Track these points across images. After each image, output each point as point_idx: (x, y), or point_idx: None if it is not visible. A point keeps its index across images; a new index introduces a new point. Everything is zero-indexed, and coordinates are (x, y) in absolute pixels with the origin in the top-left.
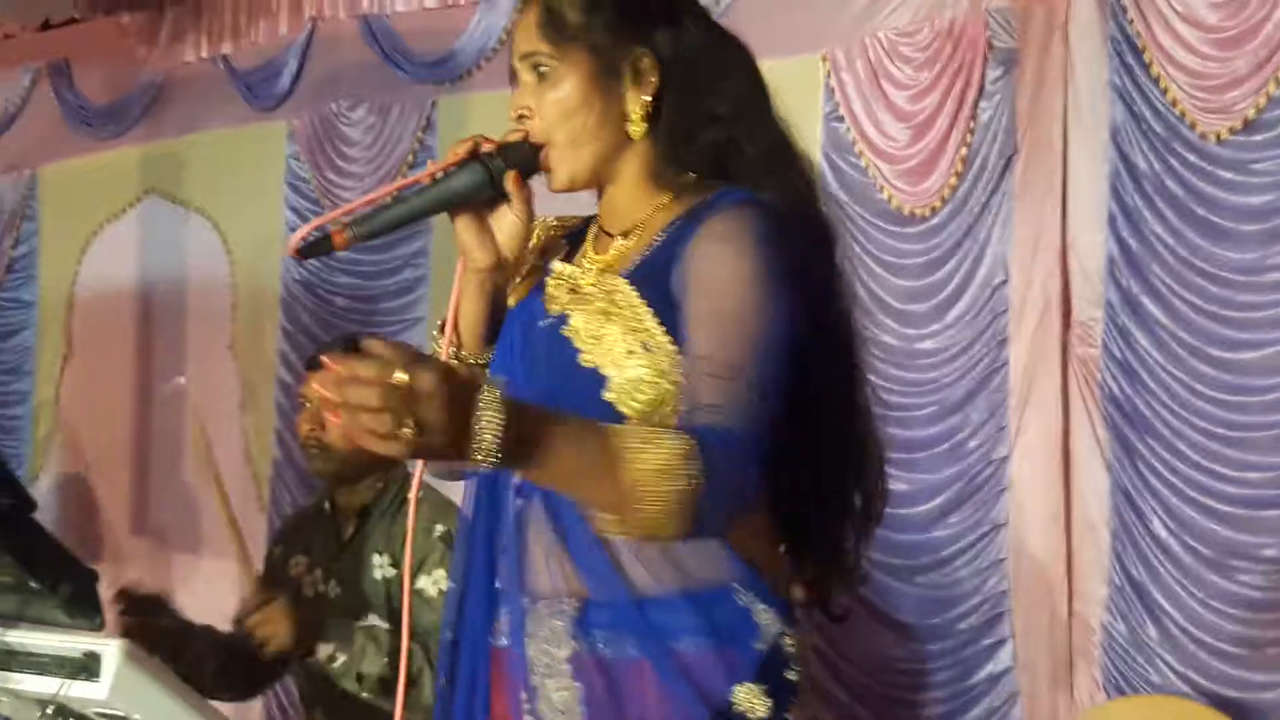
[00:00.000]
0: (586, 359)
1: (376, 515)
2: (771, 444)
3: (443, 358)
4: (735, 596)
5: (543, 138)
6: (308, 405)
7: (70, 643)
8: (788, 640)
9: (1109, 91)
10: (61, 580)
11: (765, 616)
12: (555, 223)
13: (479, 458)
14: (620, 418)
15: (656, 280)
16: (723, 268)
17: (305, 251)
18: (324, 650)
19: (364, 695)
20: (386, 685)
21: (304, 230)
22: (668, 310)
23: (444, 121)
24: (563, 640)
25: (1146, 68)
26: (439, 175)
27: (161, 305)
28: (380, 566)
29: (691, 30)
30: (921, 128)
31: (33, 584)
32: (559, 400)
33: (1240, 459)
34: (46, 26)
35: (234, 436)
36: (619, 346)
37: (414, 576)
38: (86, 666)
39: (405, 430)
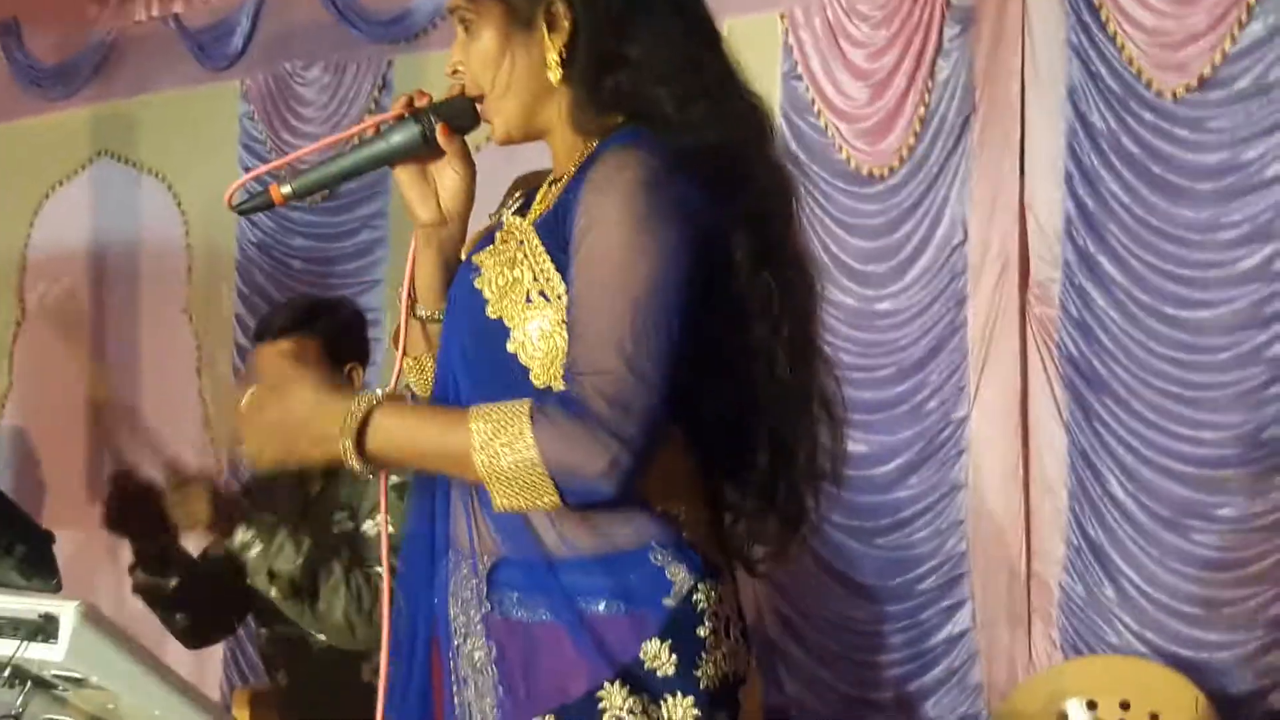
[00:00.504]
0: (492, 310)
1: (343, 473)
2: (689, 392)
3: (403, 311)
4: (651, 556)
5: (475, 91)
6: (261, 376)
7: (27, 604)
8: (699, 595)
9: (1066, 49)
10: (17, 541)
11: (678, 572)
12: (530, 176)
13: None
14: (524, 369)
15: (556, 227)
16: (598, 217)
17: (242, 207)
18: (241, 536)
19: (272, 594)
20: (296, 589)
21: (239, 184)
22: (566, 259)
23: (400, 80)
24: (478, 599)
25: (1103, 25)
26: (377, 130)
27: (115, 268)
28: (339, 521)
29: None
30: (880, 86)
31: None
32: (471, 352)
33: (1196, 418)
34: None
35: (191, 402)
36: (520, 296)
37: (361, 520)
38: (43, 628)
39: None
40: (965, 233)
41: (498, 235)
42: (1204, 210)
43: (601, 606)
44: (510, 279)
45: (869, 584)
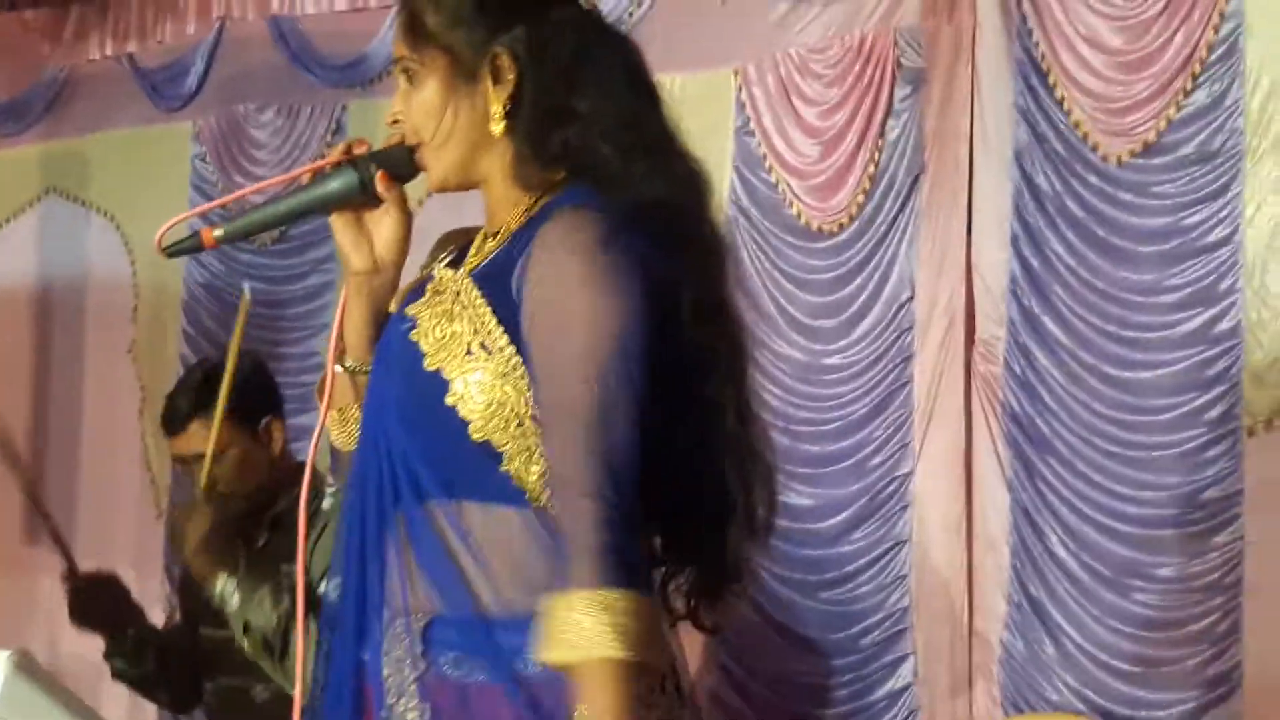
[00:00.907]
0: (430, 362)
1: (288, 524)
2: (640, 450)
3: (329, 364)
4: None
5: (414, 139)
6: (184, 466)
7: None
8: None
9: (1013, 112)
10: None
11: None
12: (460, 232)
13: None
14: (463, 423)
15: (498, 280)
16: (553, 277)
17: (172, 250)
18: (224, 582)
19: (245, 648)
20: (268, 645)
21: (169, 224)
22: (509, 313)
23: (354, 125)
24: (412, 659)
25: (1051, 89)
26: (314, 177)
27: (60, 306)
28: (289, 574)
29: (555, 24)
30: (831, 144)
31: None
32: (408, 405)
33: (1138, 478)
34: None
35: (133, 442)
36: (460, 348)
37: (318, 581)
38: None
39: None
40: (913, 290)
41: (429, 288)
42: (1147, 273)
43: (537, 667)
44: (448, 332)
45: (812, 637)
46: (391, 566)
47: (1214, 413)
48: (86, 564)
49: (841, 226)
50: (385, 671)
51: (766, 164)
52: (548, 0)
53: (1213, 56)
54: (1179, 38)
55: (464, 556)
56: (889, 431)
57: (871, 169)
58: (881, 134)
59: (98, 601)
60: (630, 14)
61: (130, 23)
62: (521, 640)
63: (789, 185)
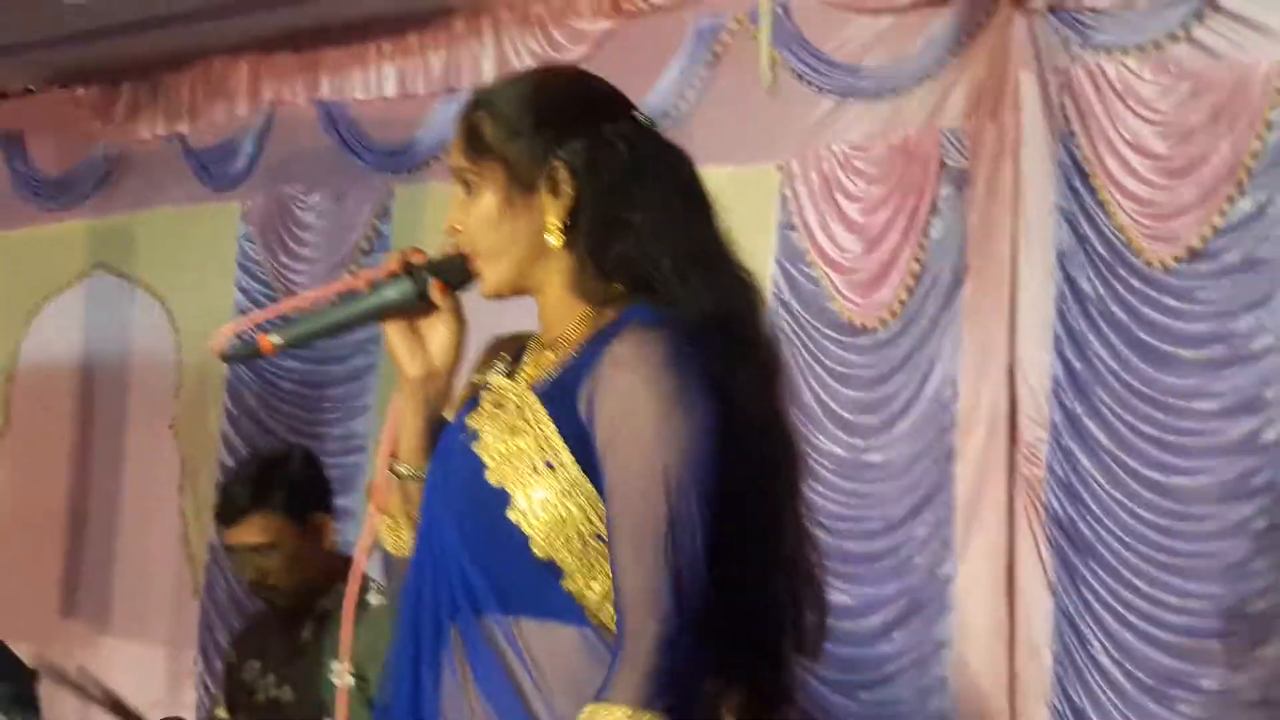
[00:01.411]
0: (493, 476)
1: (336, 620)
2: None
3: (380, 468)
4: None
5: (469, 249)
6: (235, 555)
7: None
8: None
9: (1056, 214)
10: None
11: None
12: (510, 338)
13: None
14: (524, 538)
15: (564, 398)
16: (628, 398)
17: (230, 357)
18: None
19: None
20: None
21: (228, 330)
22: (574, 429)
23: (400, 210)
24: None
25: (1094, 192)
26: (370, 285)
27: (104, 381)
28: (337, 673)
29: (610, 139)
30: (874, 241)
31: None
32: (468, 518)
33: (1181, 587)
34: (0, 96)
35: (172, 519)
36: (524, 464)
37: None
38: None
39: None
40: (955, 389)
41: (485, 397)
42: (1189, 379)
43: None
44: (512, 446)
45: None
46: (447, 679)
47: (1259, 524)
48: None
49: (884, 323)
50: None
51: (809, 259)
52: (604, 114)
53: (1259, 165)
54: (1224, 145)
55: (520, 673)
56: (930, 531)
57: (915, 266)
58: (925, 232)
59: None
60: (676, 107)
61: (182, 103)
62: None
63: (831, 280)
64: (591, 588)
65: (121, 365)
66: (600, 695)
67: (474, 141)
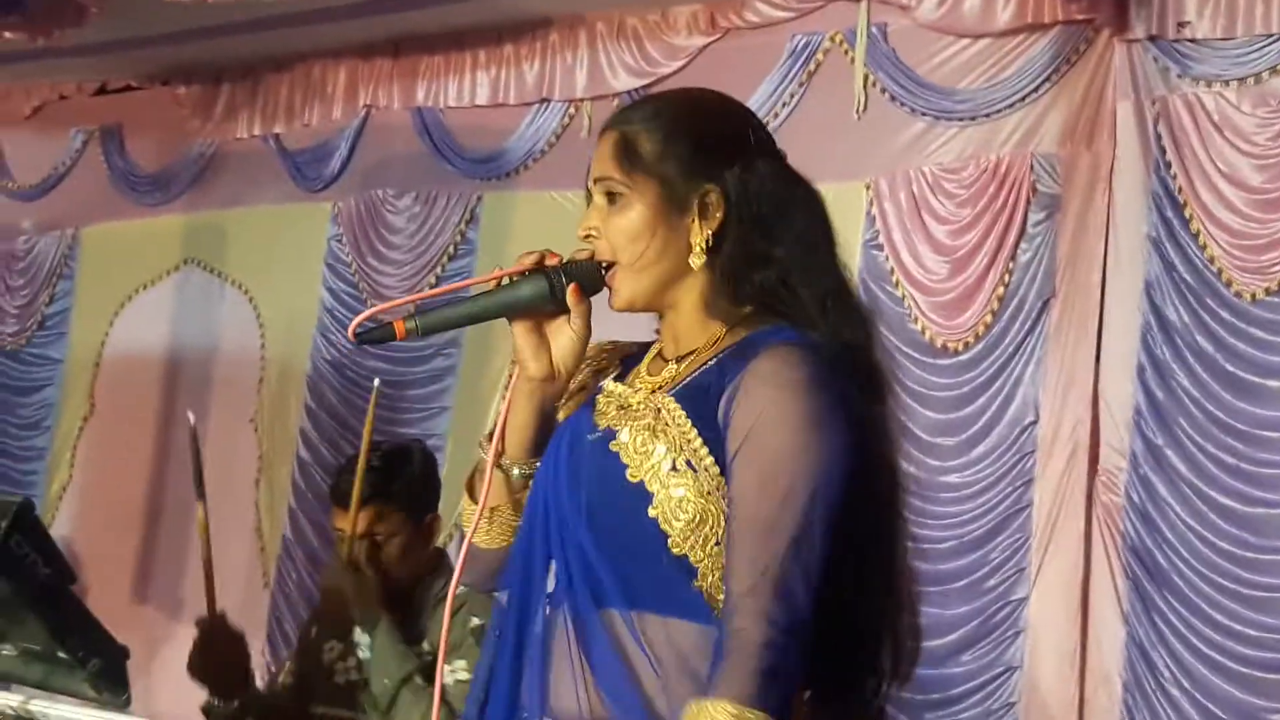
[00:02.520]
0: (633, 474)
1: (418, 608)
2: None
3: (489, 463)
4: None
5: (608, 258)
6: (343, 539)
7: (95, 717)
8: None
9: (1146, 243)
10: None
11: None
12: (610, 346)
13: None
14: (663, 536)
15: (702, 402)
16: (770, 412)
17: (363, 337)
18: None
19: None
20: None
21: (364, 315)
22: (712, 432)
23: (487, 216)
24: None
25: (1186, 223)
26: (504, 281)
27: (188, 373)
28: (423, 654)
29: (761, 171)
30: (960, 263)
31: (61, 655)
32: (602, 515)
33: (1256, 619)
34: (103, 91)
35: (247, 511)
36: (664, 463)
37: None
38: None
39: None
40: (1036, 414)
41: (604, 400)
42: (1273, 410)
43: None
44: (652, 447)
45: None
46: (557, 671)
47: None
48: (193, 628)
49: (967, 345)
50: None
51: (894, 278)
52: (756, 149)
53: None
54: None
55: (642, 666)
56: (1005, 555)
57: (1001, 290)
58: (1013, 256)
59: (220, 656)
60: (767, 123)
61: (279, 104)
62: None
63: (915, 301)
64: (723, 588)
65: (207, 359)
66: (707, 691)
67: (629, 154)
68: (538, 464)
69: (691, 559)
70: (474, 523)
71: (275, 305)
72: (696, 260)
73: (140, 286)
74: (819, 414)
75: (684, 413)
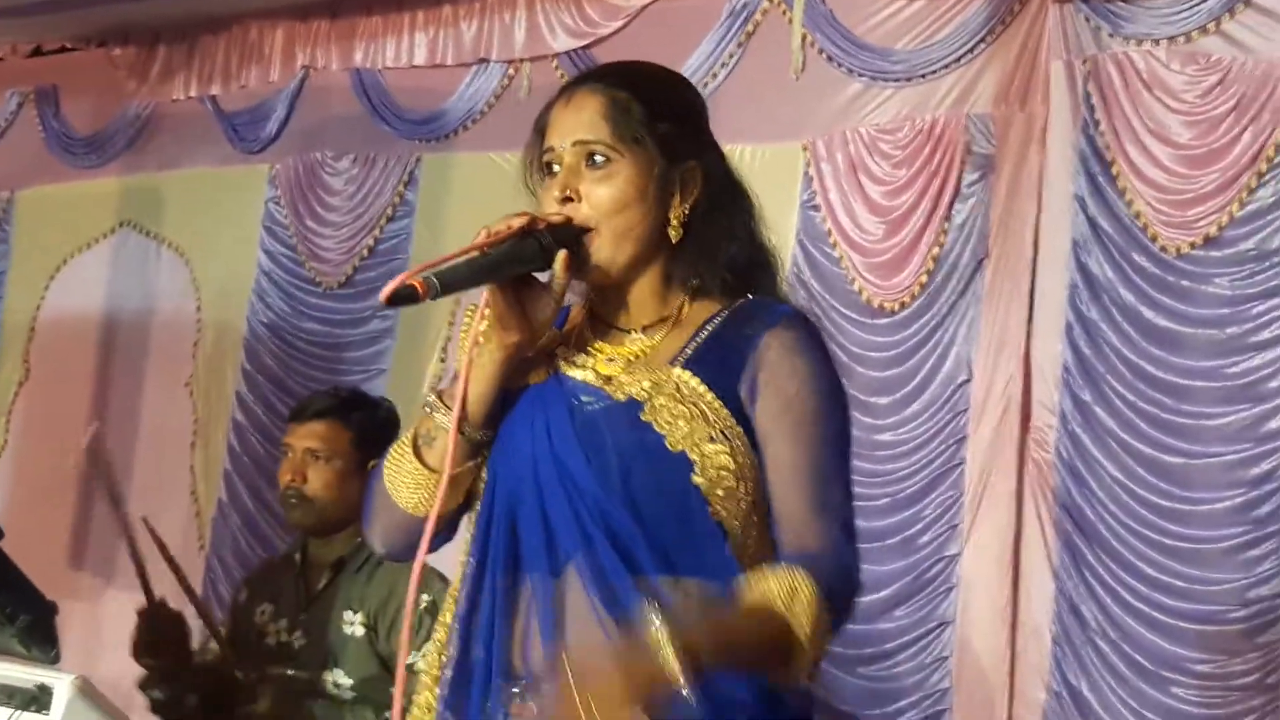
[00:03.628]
0: (673, 444)
1: (351, 569)
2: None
3: (452, 429)
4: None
5: (588, 223)
6: (290, 454)
7: (23, 674)
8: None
9: (1074, 203)
10: (20, 610)
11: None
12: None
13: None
14: (704, 502)
15: (719, 372)
16: (805, 382)
17: (393, 300)
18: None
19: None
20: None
21: (397, 281)
22: (734, 402)
23: (426, 178)
24: (629, 715)
25: (1114, 180)
26: (494, 240)
27: (124, 337)
28: (351, 624)
29: (724, 158)
30: (896, 224)
31: None
32: (640, 481)
33: (1183, 571)
34: (38, 53)
35: (182, 475)
36: (699, 432)
37: (388, 637)
38: (37, 698)
39: None
40: (970, 373)
41: (577, 372)
42: (1197, 362)
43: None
44: (680, 415)
45: (850, 712)
46: (581, 633)
47: (1261, 510)
48: (127, 592)
49: (902, 305)
50: None
51: (830, 239)
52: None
53: (1279, 156)
54: (1247, 135)
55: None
56: (938, 511)
57: (935, 250)
58: (948, 217)
59: (164, 640)
60: (705, 84)
61: (215, 65)
62: (735, 691)
63: (852, 261)
64: (747, 549)
65: (142, 322)
66: (798, 559)
67: (621, 118)
68: (491, 433)
69: (726, 525)
70: (440, 491)
71: (212, 268)
72: (675, 233)
73: (76, 250)
74: (837, 378)
75: (704, 384)
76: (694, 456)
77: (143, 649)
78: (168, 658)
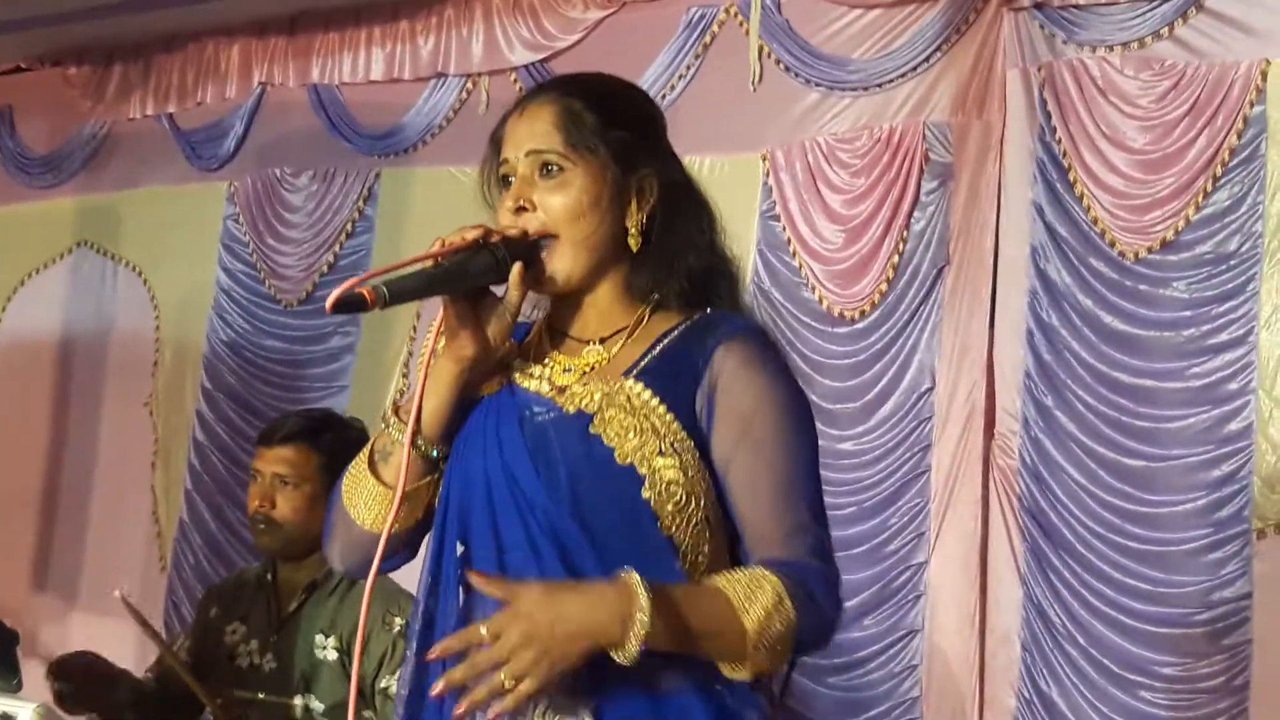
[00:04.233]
0: (621, 457)
1: (323, 594)
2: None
3: (405, 444)
4: (729, 695)
5: (546, 230)
6: (258, 479)
7: None
8: None
9: (1030, 209)
10: None
11: (754, 718)
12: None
13: (624, 658)
14: (654, 518)
15: (672, 384)
16: (763, 399)
17: (339, 307)
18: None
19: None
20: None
21: (343, 288)
22: (688, 417)
23: (385, 193)
24: None
25: (1071, 186)
26: (448, 252)
27: (82, 357)
28: (323, 648)
29: (681, 167)
30: (855, 232)
31: None
32: (589, 494)
33: (1147, 574)
34: None
35: (143, 495)
36: (649, 446)
37: (376, 674)
38: None
39: (507, 683)
40: (933, 380)
41: (531, 382)
42: (1158, 363)
43: None
44: (629, 428)
45: None
46: None
47: (1224, 513)
48: (91, 615)
49: (863, 314)
50: None
51: (790, 248)
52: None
53: (1235, 160)
54: (1202, 140)
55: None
56: (904, 520)
57: (895, 259)
58: (907, 225)
59: (85, 688)
60: (663, 96)
61: (171, 83)
62: (687, 715)
63: (812, 270)
64: (699, 565)
65: (100, 342)
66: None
67: (574, 127)
68: (447, 448)
69: (676, 540)
70: (394, 508)
71: (170, 287)
72: (635, 242)
73: (33, 270)
74: (799, 392)
75: (655, 396)
76: (643, 470)
77: (62, 699)
78: (91, 703)
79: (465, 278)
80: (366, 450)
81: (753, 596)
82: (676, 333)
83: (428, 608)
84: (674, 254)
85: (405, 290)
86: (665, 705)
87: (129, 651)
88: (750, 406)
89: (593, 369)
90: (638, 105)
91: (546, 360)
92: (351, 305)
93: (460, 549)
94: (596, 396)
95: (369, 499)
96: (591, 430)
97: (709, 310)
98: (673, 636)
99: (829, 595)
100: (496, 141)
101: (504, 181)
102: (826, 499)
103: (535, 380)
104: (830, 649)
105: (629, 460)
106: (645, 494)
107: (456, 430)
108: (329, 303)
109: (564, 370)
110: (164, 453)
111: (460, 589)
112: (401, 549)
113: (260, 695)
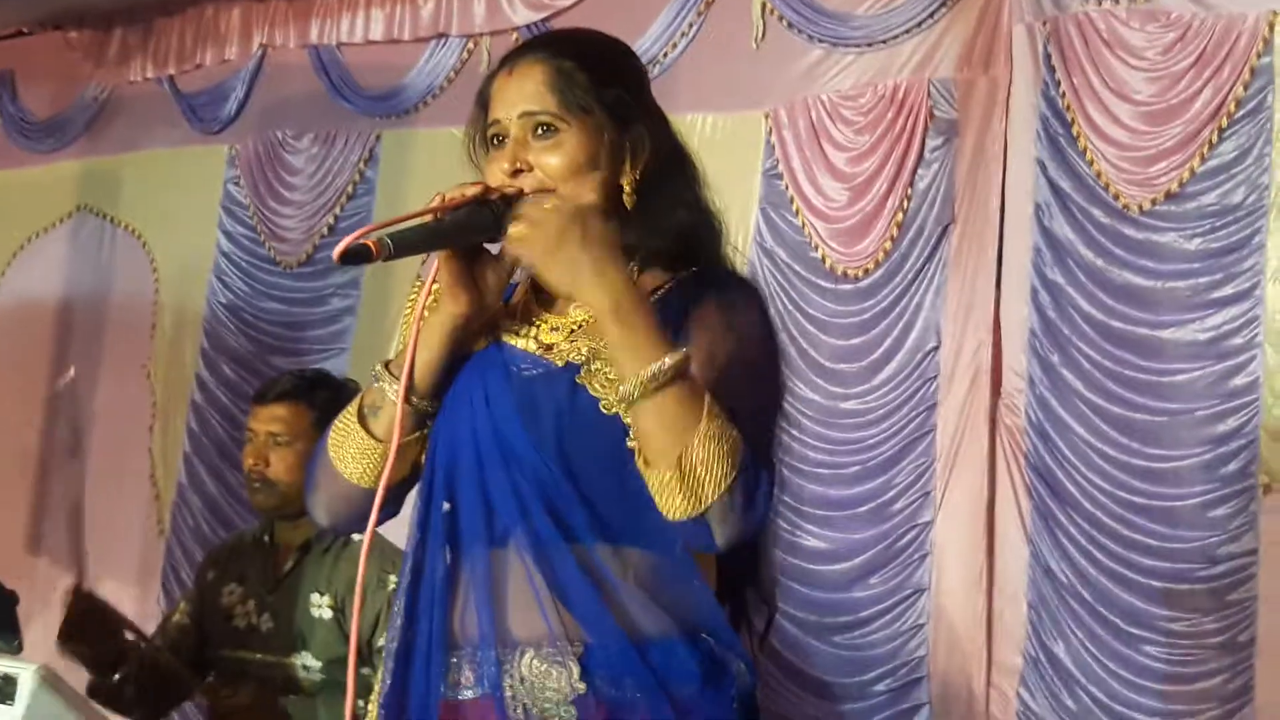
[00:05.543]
0: (606, 406)
1: (318, 552)
2: None
3: (400, 398)
4: (714, 643)
5: (544, 186)
6: (253, 438)
7: None
8: (748, 681)
9: (1034, 164)
10: None
11: (740, 666)
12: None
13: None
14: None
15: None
16: (739, 337)
17: (346, 258)
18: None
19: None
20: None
21: (350, 238)
22: None
23: (386, 155)
24: (567, 683)
25: (1074, 140)
26: (449, 206)
27: (82, 320)
28: (319, 606)
29: (665, 121)
30: (859, 190)
31: None
32: (574, 444)
33: (1153, 529)
34: None
35: (141, 458)
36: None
37: (373, 633)
38: (1, 689)
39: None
40: (938, 339)
41: (518, 341)
42: (1163, 316)
43: (681, 686)
44: (615, 378)
45: (824, 680)
46: (519, 602)
47: (1230, 468)
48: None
49: (867, 272)
50: (519, 699)
51: (794, 206)
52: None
53: (1241, 111)
54: (1208, 91)
55: (621, 593)
56: (910, 479)
57: (900, 216)
58: (911, 182)
59: (90, 623)
60: (665, 54)
61: (172, 46)
62: (673, 660)
63: (815, 229)
64: None
65: (100, 306)
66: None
67: (567, 87)
68: (438, 404)
69: None
70: (389, 462)
71: (170, 250)
72: (630, 200)
73: (33, 234)
74: (773, 339)
75: None
76: (628, 419)
77: (67, 633)
78: (92, 640)
79: (465, 234)
80: (355, 403)
81: (720, 413)
82: (665, 290)
83: (415, 564)
84: (666, 210)
85: (408, 243)
86: (651, 651)
87: (124, 611)
88: (721, 339)
89: (580, 326)
90: (626, 62)
91: (534, 319)
92: (358, 257)
93: (446, 506)
94: (584, 350)
95: (358, 452)
96: (578, 381)
97: (695, 270)
98: (634, 339)
99: (764, 487)
100: (484, 101)
101: (494, 141)
102: (831, 457)
103: (523, 338)
104: (835, 607)
105: (615, 410)
106: (631, 443)
107: (447, 388)
108: (336, 253)
109: (551, 329)
110: (163, 416)
111: (447, 546)
112: (388, 503)
113: (258, 655)
